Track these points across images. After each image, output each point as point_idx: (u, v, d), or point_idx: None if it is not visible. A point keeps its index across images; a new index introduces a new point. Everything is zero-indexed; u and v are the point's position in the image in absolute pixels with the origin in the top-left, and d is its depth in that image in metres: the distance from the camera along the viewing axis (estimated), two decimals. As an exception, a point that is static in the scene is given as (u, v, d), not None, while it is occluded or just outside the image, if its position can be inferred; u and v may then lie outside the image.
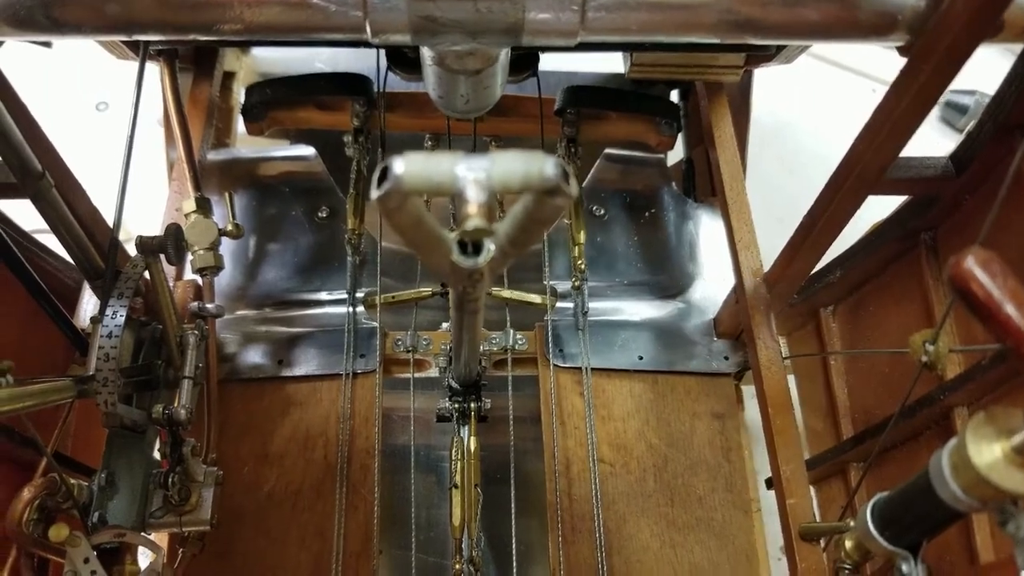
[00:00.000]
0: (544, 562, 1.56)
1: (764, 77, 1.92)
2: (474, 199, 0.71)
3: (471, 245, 0.86)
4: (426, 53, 1.16)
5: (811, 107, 3.00)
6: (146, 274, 1.22)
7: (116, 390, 1.14)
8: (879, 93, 1.12)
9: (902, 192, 1.28)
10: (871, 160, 1.15)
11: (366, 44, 1.06)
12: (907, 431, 1.30)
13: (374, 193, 0.76)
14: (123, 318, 1.17)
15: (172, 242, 1.21)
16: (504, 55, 1.16)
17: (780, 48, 1.54)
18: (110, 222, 1.33)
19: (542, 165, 0.71)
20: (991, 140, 1.13)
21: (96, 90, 2.57)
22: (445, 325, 1.82)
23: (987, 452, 0.74)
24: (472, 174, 0.72)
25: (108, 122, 2.54)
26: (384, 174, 0.74)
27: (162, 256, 1.23)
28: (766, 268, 1.55)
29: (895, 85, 1.09)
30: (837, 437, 1.51)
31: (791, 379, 1.64)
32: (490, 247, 0.85)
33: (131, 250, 1.24)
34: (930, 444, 1.30)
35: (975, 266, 0.69)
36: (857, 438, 1.41)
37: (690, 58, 1.60)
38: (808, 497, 1.39)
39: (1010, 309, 0.68)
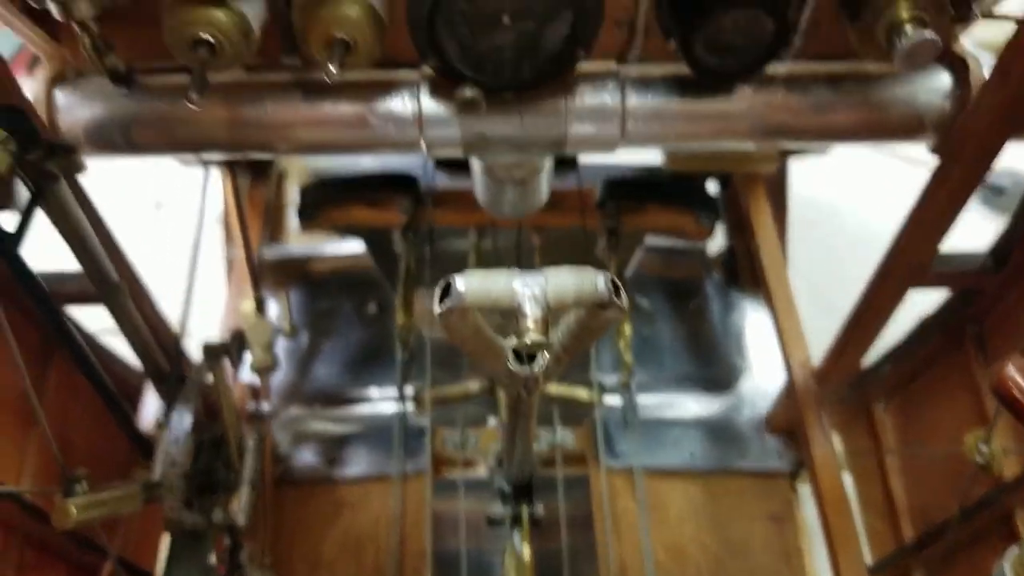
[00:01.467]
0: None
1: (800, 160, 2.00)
2: (531, 314, 0.79)
3: (526, 354, 0.95)
4: (475, 163, 1.26)
5: (849, 188, 3.05)
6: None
7: (181, 496, 1.23)
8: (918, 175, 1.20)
9: (944, 286, 1.34)
10: (912, 255, 1.22)
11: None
12: (969, 532, 1.32)
13: (436, 308, 0.85)
14: (189, 424, 1.27)
15: (236, 347, 1.31)
16: (549, 161, 1.27)
17: (813, 141, 1.63)
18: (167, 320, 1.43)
19: (594, 281, 0.80)
20: (1025, 236, 1.19)
21: (153, 190, 2.76)
22: (492, 421, 1.88)
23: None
24: (528, 290, 0.81)
25: (165, 221, 2.71)
26: (446, 290, 0.83)
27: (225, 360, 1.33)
28: (815, 361, 1.60)
29: (930, 183, 1.17)
30: (898, 537, 1.52)
31: (849, 478, 1.67)
32: (544, 356, 0.94)
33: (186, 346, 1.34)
34: (995, 547, 1.31)
35: (1016, 375, 0.75)
36: (919, 541, 1.43)
37: (725, 151, 1.69)
38: (872, 603, 1.40)
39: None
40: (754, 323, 1.96)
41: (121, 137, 1.14)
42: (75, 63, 1.12)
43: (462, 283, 0.81)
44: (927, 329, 1.46)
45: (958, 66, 1.10)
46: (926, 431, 1.49)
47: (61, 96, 1.12)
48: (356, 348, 2.01)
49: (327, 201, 2.00)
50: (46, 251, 1.19)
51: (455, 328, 0.87)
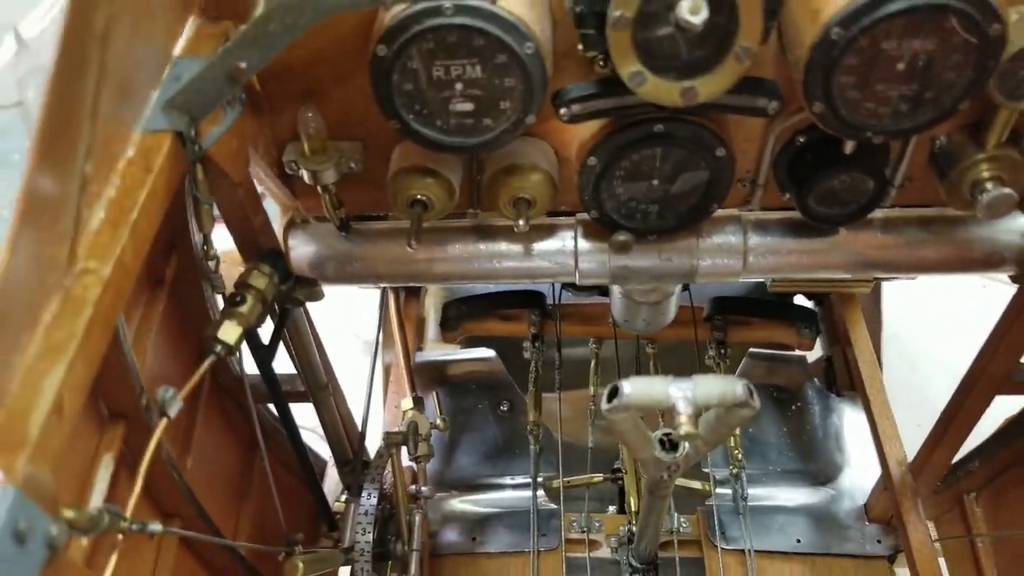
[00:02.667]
0: None
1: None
2: (683, 412, 0.96)
3: (669, 443, 1.11)
4: (615, 288, 1.45)
5: (923, 303, 3.12)
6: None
7: (370, 560, 1.40)
8: (990, 289, 1.32)
9: (1026, 393, 1.44)
10: (995, 368, 1.34)
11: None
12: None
13: (604, 406, 1.02)
14: (376, 499, 1.45)
15: (412, 436, 1.50)
16: (679, 287, 1.44)
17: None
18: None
19: (735, 387, 0.97)
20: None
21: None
22: (612, 508, 2.01)
23: None
24: (682, 393, 0.98)
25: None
26: (614, 392, 1.01)
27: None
28: (908, 458, 1.70)
29: (1009, 307, 1.29)
30: (990, 617, 1.59)
31: (943, 563, 1.74)
32: (685, 445, 1.10)
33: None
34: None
35: None
36: (1012, 623, 1.50)
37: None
38: None
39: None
40: (851, 424, 2.06)
41: (334, 271, 1.35)
42: (303, 212, 1.36)
43: (628, 386, 0.99)
44: (1014, 427, 1.55)
45: (1034, 210, 1.24)
46: (1014, 519, 1.56)
47: (291, 238, 1.35)
48: (491, 442, 2.18)
49: (467, 315, 2.21)
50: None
51: (618, 422, 1.04)
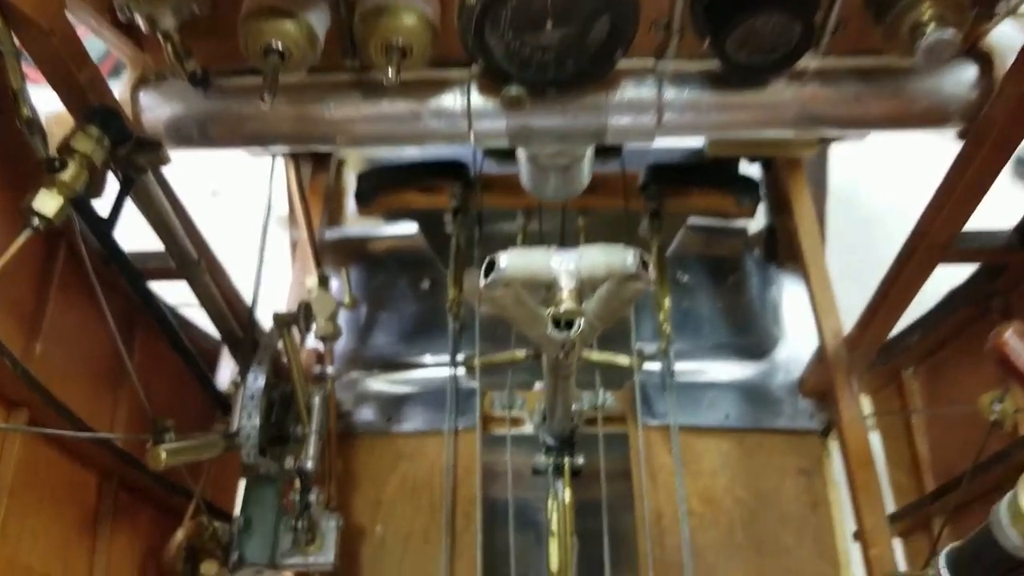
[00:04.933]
0: (637, 610, 1.66)
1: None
2: (566, 286, 0.87)
3: (565, 321, 1.02)
4: (521, 152, 1.32)
5: (885, 166, 3.03)
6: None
7: (257, 444, 1.33)
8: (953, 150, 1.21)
9: (970, 261, 1.38)
10: (938, 232, 1.26)
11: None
12: (986, 484, 1.36)
13: (481, 283, 0.92)
14: (263, 382, 1.37)
15: (303, 317, 1.41)
16: (590, 149, 1.32)
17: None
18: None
19: (624, 257, 0.87)
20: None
21: (210, 179, 2.87)
22: (539, 384, 1.95)
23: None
24: (564, 266, 0.88)
25: (220, 207, 2.80)
26: (490, 267, 0.91)
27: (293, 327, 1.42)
28: (847, 331, 1.65)
29: (954, 166, 1.20)
30: (920, 491, 1.58)
31: (877, 437, 1.73)
32: (579, 322, 1.00)
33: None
34: (1008, 497, 1.36)
35: (1011, 337, 0.81)
36: (938, 492, 1.49)
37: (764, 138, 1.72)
38: (890, 547, 1.47)
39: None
40: (790, 296, 2.00)
41: (197, 133, 1.23)
42: (156, 67, 1.20)
43: (504, 260, 0.89)
44: (955, 301, 1.50)
45: (984, 60, 1.13)
46: (951, 394, 1.54)
47: (144, 97, 1.21)
48: (410, 319, 2.10)
49: (382, 187, 2.08)
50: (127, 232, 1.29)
51: (498, 299, 0.94)
